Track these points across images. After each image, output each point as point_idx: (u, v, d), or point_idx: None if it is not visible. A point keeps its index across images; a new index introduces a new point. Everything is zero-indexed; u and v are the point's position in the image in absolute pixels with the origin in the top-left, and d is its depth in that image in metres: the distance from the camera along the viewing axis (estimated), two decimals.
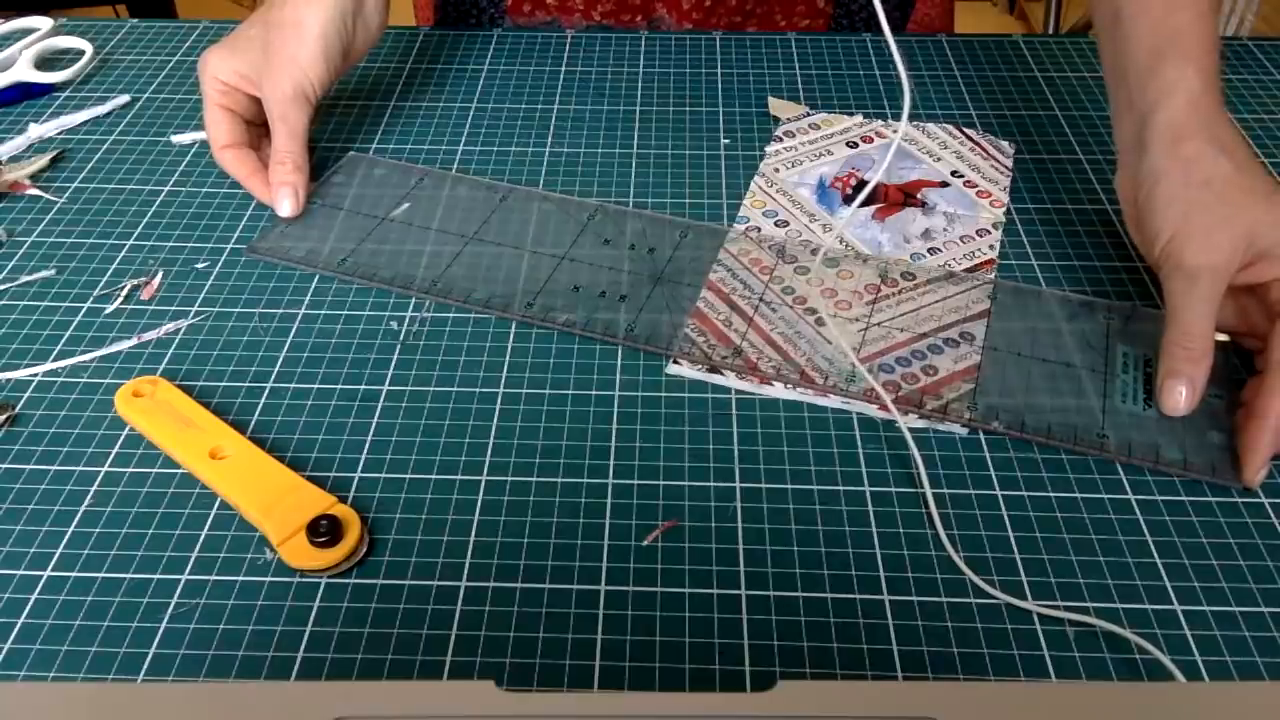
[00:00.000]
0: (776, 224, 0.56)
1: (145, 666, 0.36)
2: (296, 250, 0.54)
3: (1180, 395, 0.42)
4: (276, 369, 0.47)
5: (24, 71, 0.67)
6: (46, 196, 0.58)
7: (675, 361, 0.47)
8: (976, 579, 0.38)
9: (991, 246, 0.54)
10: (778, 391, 0.46)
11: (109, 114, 0.65)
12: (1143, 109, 0.47)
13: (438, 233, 0.54)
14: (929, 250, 0.54)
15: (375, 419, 0.45)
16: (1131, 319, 0.49)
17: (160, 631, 0.37)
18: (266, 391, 0.46)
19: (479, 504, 0.41)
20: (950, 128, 0.63)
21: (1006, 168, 0.60)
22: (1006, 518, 0.41)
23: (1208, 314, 0.42)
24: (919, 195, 0.58)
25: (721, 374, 0.47)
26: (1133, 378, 0.45)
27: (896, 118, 0.65)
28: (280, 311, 0.50)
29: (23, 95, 0.67)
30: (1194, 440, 0.43)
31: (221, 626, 0.37)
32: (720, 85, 0.68)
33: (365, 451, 0.43)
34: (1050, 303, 0.50)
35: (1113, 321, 0.48)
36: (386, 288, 0.51)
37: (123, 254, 0.54)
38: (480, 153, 0.62)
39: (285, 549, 0.39)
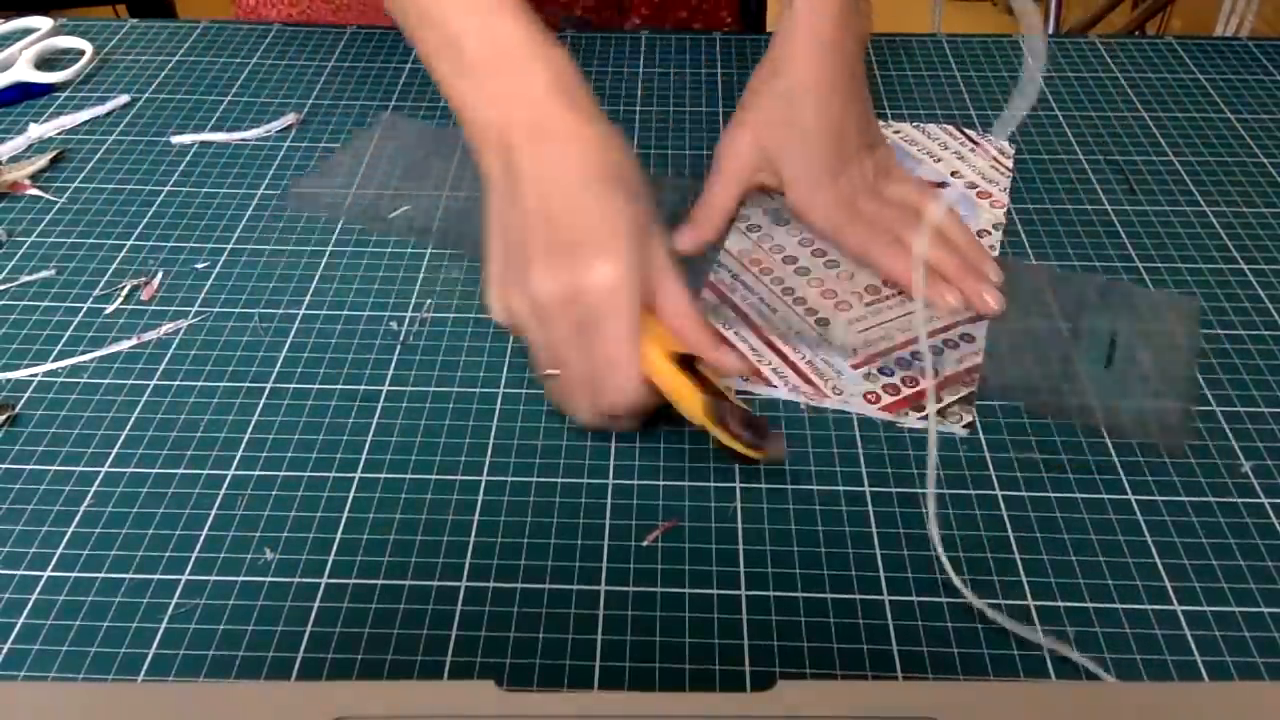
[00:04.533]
0: (777, 223, 0.56)
1: (145, 666, 0.36)
2: (324, 199, 0.57)
3: (685, 237, 0.53)
4: (276, 369, 0.47)
5: (24, 71, 0.67)
6: (46, 196, 0.58)
7: None
8: (968, 593, 0.38)
9: (992, 247, 0.54)
10: (778, 392, 0.46)
11: (109, 114, 0.65)
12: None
13: (451, 191, 0.58)
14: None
15: (375, 419, 0.45)
16: (1105, 293, 0.51)
17: (160, 631, 0.37)
18: (266, 391, 0.46)
19: (479, 504, 0.41)
20: (950, 128, 0.63)
21: (1007, 168, 0.60)
22: (1006, 518, 0.41)
23: (723, 188, 0.54)
24: None
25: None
26: (1098, 347, 0.47)
27: (898, 119, 0.65)
28: (280, 311, 0.50)
29: (23, 95, 0.67)
30: (1150, 407, 0.44)
31: (221, 626, 0.37)
32: (720, 85, 0.68)
33: (365, 452, 0.43)
34: (1037, 273, 0.52)
35: (1086, 293, 0.51)
36: (404, 237, 0.55)
37: (123, 254, 0.54)
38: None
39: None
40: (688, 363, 0.40)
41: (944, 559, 0.37)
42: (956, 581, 0.37)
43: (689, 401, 0.40)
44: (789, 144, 0.52)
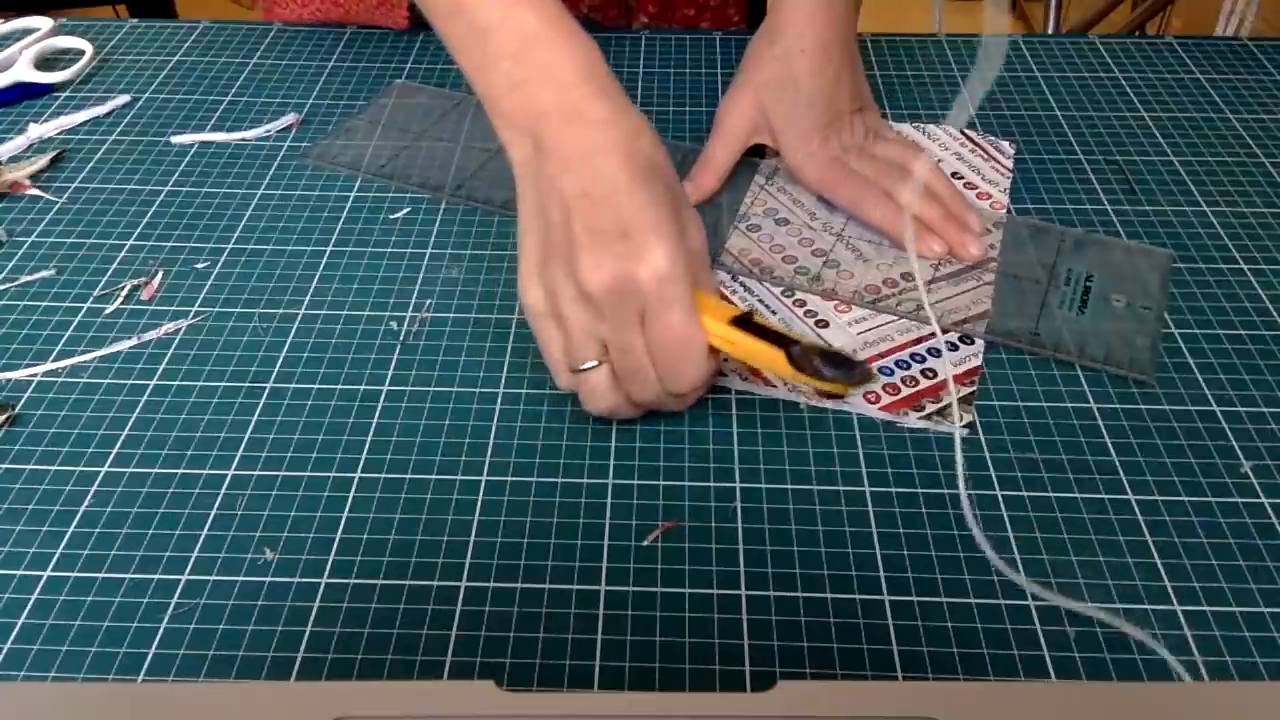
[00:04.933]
0: (777, 222, 0.56)
1: (145, 666, 0.36)
2: (343, 156, 0.61)
3: (688, 189, 0.56)
4: (276, 369, 0.47)
5: (24, 71, 0.67)
6: (46, 196, 0.58)
7: None
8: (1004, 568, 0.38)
9: (992, 246, 0.54)
10: (778, 391, 0.46)
11: (109, 114, 0.65)
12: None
13: (464, 148, 0.61)
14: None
15: (375, 419, 0.45)
16: (1083, 243, 0.54)
17: (160, 631, 0.37)
18: (266, 391, 0.46)
19: (479, 504, 0.41)
20: (950, 129, 0.63)
21: (1007, 169, 0.60)
22: (1006, 518, 0.41)
23: (722, 146, 0.57)
24: None
25: (723, 374, 0.46)
26: (1073, 290, 0.51)
27: (898, 119, 0.65)
28: (280, 311, 0.50)
29: (23, 95, 0.67)
30: (1119, 342, 0.48)
31: (221, 626, 0.37)
32: (720, 85, 0.68)
33: (365, 452, 0.43)
34: (1018, 228, 0.55)
35: (1064, 244, 0.54)
36: (419, 191, 0.58)
37: (123, 254, 0.54)
38: (480, 150, 0.61)
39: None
40: (746, 324, 0.41)
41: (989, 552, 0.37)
42: (1010, 573, 0.37)
43: (767, 359, 0.40)
44: (784, 105, 0.55)
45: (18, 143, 0.62)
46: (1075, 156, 0.61)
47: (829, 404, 0.45)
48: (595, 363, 0.41)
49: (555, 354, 0.42)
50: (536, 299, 0.41)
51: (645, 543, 0.40)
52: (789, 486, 0.42)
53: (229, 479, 0.42)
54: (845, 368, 0.40)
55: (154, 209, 0.57)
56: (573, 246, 0.39)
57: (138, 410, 0.45)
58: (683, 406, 0.44)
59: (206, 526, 0.40)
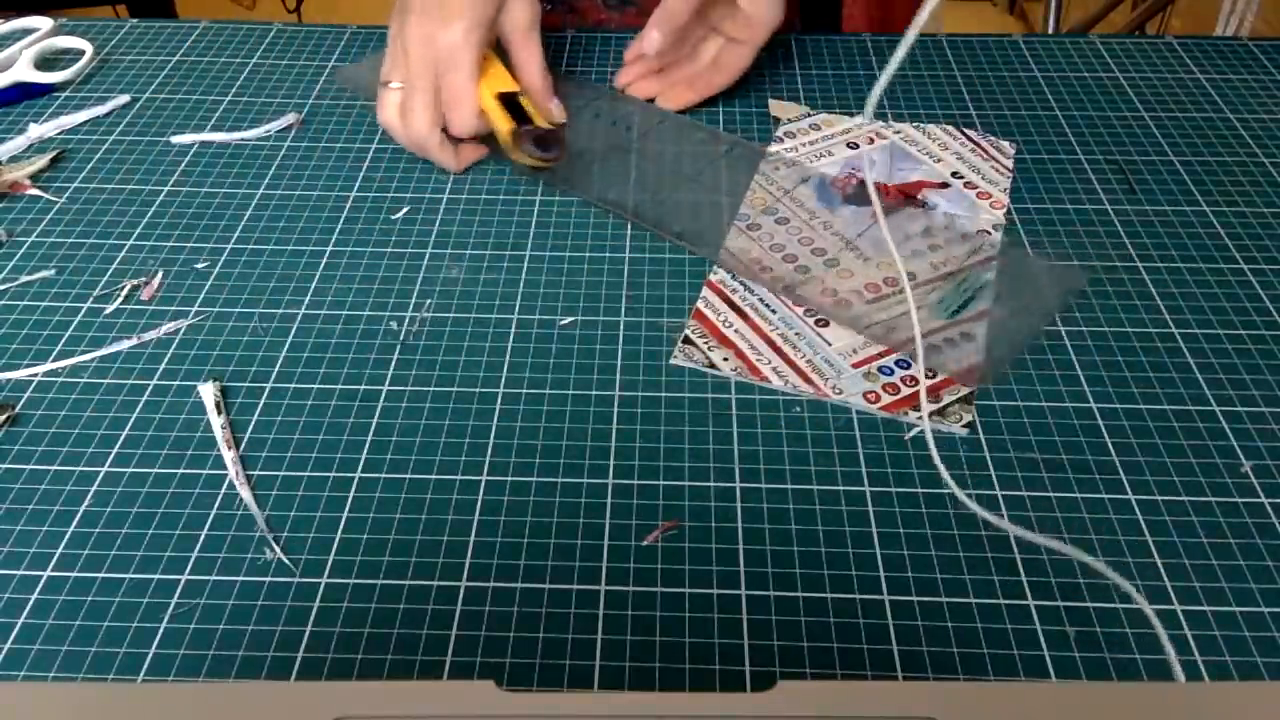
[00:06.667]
0: (777, 221, 0.56)
1: (145, 666, 0.36)
2: (369, 81, 0.65)
3: (653, 38, 0.62)
4: (276, 369, 0.47)
5: (24, 71, 0.67)
6: (46, 196, 0.58)
7: (682, 346, 0.47)
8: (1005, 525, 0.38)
9: (992, 245, 0.54)
10: (777, 388, 0.46)
11: (109, 114, 0.65)
12: None
13: None
14: (930, 247, 0.54)
15: (375, 419, 0.45)
16: (1006, 255, 0.53)
17: (160, 631, 0.37)
18: (266, 391, 0.46)
19: (479, 504, 0.41)
20: (950, 129, 0.63)
21: (1007, 169, 0.60)
22: (1006, 518, 0.41)
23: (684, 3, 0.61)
24: (919, 196, 0.58)
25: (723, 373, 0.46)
26: (958, 295, 0.50)
27: (899, 119, 0.65)
28: (280, 311, 0.50)
29: (23, 95, 0.67)
30: (970, 350, 0.47)
31: (221, 626, 0.37)
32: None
33: (365, 452, 0.43)
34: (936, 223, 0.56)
35: (975, 244, 0.54)
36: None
37: (123, 254, 0.54)
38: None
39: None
40: (511, 100, 0.57)
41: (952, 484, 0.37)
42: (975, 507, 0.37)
43: (500, 127, 0.56)
44: None
45: (18, 143, 0.62)
46: (1075, 156, 0.61)
47: (830, 399, 0.45)
48: (396, 85, 0.57)
49: (381, 73, 0.58)
50: (391, 37, 0.58)
51: (645, 543, 0.40)
52: (789, 486, 0.42)
53: (229, 479, 0.42)
54: (546, 149, 0.55)
55: (154, 209, 0.57)
56: (408, 15, 0.55)
57: (138, 410, 0.45)
58: (453, 162, 0.58)
59: (206, 526, 0.40)
